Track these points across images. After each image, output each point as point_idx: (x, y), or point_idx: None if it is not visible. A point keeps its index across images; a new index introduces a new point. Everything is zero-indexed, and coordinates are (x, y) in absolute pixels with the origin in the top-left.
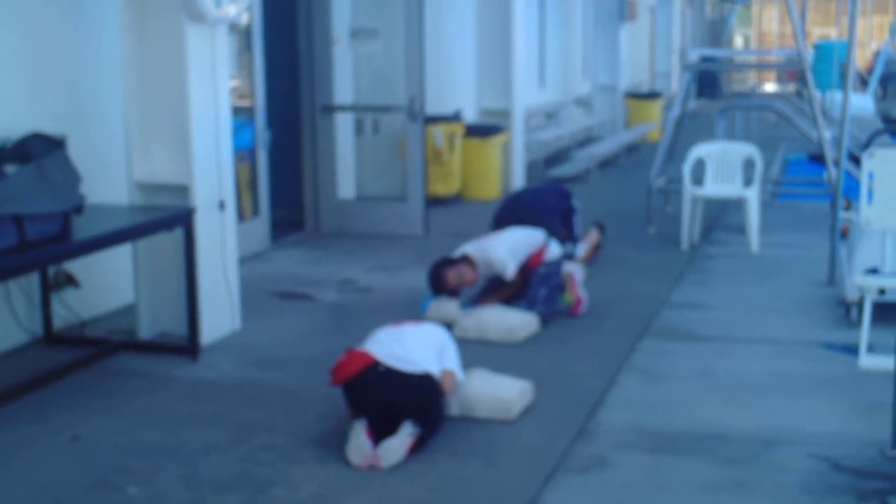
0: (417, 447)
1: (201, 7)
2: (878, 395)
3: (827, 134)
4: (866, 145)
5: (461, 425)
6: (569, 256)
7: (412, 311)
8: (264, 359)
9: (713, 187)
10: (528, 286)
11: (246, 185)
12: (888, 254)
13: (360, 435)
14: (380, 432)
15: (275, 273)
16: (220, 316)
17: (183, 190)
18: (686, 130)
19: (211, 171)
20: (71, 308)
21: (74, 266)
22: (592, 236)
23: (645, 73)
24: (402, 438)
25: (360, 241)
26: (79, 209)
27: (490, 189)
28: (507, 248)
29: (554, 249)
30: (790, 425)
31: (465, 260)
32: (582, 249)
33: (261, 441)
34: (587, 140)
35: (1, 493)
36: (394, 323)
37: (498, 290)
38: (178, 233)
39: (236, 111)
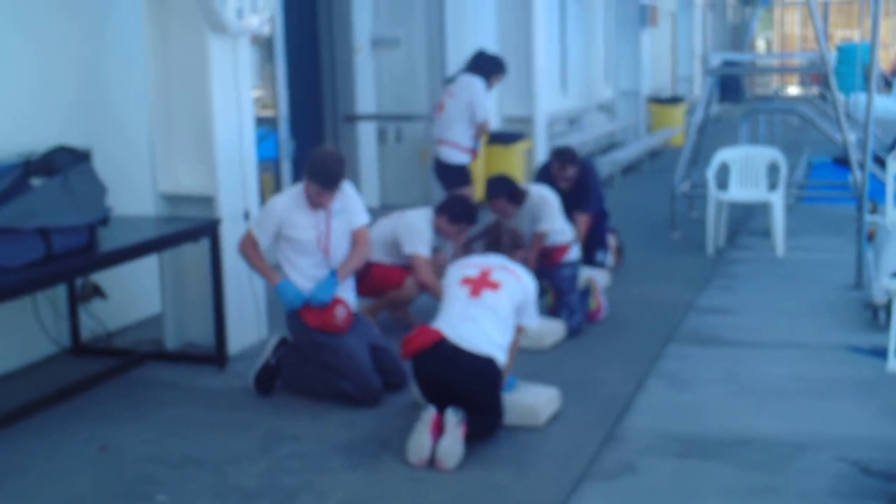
0: (474, 434)
1: (223, 19)
2: None
3: (851, 137)
4: (891, 147)
5: None
6: (600, 265)
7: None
8: None
9: (738, 192)
10: (558, 291)
11: (271, 195)
12: None
13: (423, 434)
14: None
15: None
16: (246, 325)
17: (208, 201)
18: (709, 135)
19: (235, 182)
20: (98, 319)
21: (101, 277)
22: (611, 242)
23: (667, 78)
24: (453, 433)
25: None
26: (105, 221)
27: None
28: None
29: (575, 251)
30: (818, 429)
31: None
32: (610, 259)
33: (288, 449)
34: (610, 146)
35: (30, 503)
36: (479, 271)
37: None
38: (204, 243)
39: (260, 122)
